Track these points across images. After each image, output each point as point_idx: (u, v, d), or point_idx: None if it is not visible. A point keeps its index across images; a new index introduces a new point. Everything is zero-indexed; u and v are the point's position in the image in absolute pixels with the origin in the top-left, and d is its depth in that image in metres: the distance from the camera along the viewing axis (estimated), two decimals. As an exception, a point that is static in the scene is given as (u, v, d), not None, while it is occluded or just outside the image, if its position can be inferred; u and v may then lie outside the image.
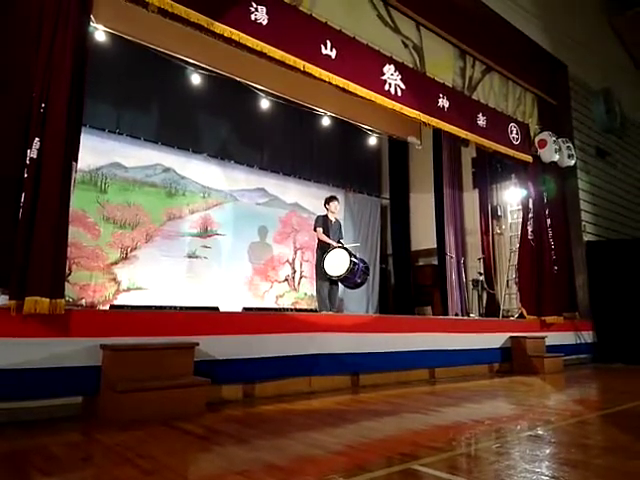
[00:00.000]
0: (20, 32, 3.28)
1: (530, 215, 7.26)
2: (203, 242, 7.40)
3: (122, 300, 6.37)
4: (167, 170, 7.17)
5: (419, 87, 5.70)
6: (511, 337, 6.39)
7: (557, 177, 7.63)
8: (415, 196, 9.68)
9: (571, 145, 7.48)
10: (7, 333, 2.94)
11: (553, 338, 6.72)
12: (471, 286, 8.22)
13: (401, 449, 2.50)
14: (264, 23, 4.35)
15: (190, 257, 7.22)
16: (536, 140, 7.29)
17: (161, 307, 5.16)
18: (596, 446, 2.62)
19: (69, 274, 5.82)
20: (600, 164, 8.76)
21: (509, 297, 8.06)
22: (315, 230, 6.27)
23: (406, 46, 5.76)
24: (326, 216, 6.29)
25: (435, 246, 8.44)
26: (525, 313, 6.96)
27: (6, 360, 2.90)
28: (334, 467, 2.22)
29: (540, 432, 2.88)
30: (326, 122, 8.22)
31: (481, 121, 6.42)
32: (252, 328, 4.07)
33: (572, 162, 7.45)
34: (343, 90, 5.00)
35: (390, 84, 5.34)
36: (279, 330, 4.22)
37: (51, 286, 3.04)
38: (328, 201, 6.36)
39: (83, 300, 6.13)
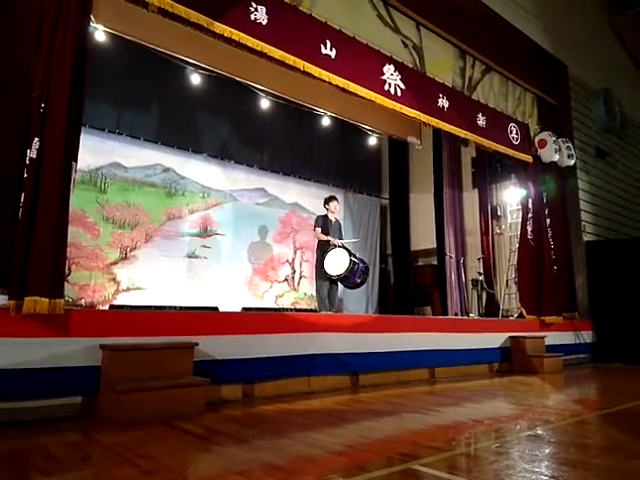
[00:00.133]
0: (20, 32, 3.28)
1: (530, 215, 7.26)
2: (203, 242, 7.40)
3: (121, 300, 6.36)
4: (167, 170, 7.17)
5: (419, 87, 5.70)
6: (511, 337, 6.40)
7: (557, 177, 7.63)
8: (415, 196, 9.68)
9: (571, 145, 7.48)
10: (6, 333, 2.94)
11: (553, 338, 6.73)
12: (471, 286, 8.22)
13: (401, 449, 2.50)
14: (264, 23, 4.35)
15: (190, 257, 7.22)
16: (536, 140, 7.30)
17: (161, 307, 5.16)
18: (595, 446, 2.62)
19: (68, 274, 5.82)
20: (600, 164, 8.77)
21: (509, 297, 8.06)
22: (314, 230, 6.28)
23: (406, 46, 5.76)
24: (326, 216, 6.30)
25: (435, 246, 8.45)
26: (525, 313, 6.96)
27: (6, 360, 2.90)
28: (334, 467, 2.22)
29: (539, 432, 2.89)
30: (326, 122, 8.22)
31: (481, 121, 6.42)
32: (252, 328, 4.07)
33: (572, 162, 7.45)
34: (343, 90, 5.00)
35: (390, 84, 5.35)
36: (279, 330, 4.22)
37: (50, 286, 3.04)
38: (327, 201, 6.36)
39: (82, 300, 6.13)
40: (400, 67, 5.50)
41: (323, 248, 6.09)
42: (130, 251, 6.67)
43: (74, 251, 6.00)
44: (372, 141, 9.12)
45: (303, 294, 8.43)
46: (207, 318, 4.00)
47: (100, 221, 6.46)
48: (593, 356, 7.45)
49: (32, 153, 3.09)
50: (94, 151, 6.32)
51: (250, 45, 4.27)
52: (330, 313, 5.68)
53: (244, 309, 5.63)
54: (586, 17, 8.99)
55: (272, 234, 8.25)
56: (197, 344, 3.52)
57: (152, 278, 6.75)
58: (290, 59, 4.51)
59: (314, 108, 7.43)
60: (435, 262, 8.60)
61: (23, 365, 2.95)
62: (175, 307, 5.06)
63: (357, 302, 8.80)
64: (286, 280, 8.31)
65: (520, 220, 7.51)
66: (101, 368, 3.20)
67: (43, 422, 2.92)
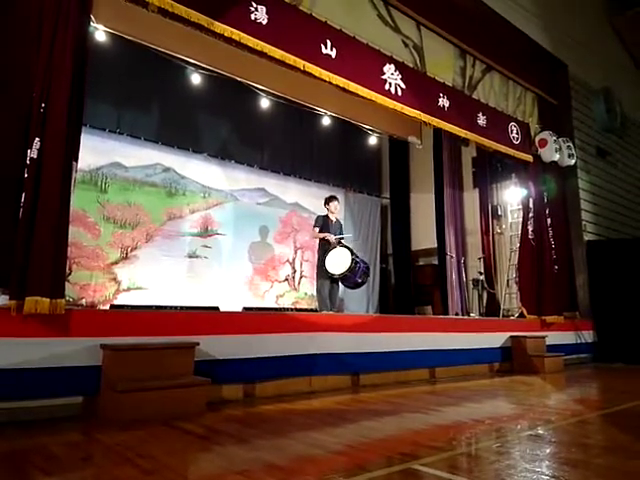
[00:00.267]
0: (20, 32, 3.28)
1: (530, 214, 7.26)
2: (203, 242, 7.40)
3: (122, 300, 6.37)
4: (167, 170, 7.17)
5: (419, 87, 5.69)
6: (511, 337, 6.39)
7: (557, 177, 7.63)
8: (415, 196, 9.68)
9: (571, 144, 7.47)
10: (7, 333, 2.94)
11: (553, 338, 6.72)
12: (471, 286, 8.22)
13: (401, 449, 2.50)
14: (264, 23, 4.35)
15: (190, 257, 7.22)
16: (536, 139, 7.29)
17: (161, 307, 5.16)
18: (596, 446, 2.62)
19: (69, 274, 5.82)
20: (600, 164, 8.76)
21: (509, 297, 8.06)
22: (313, 229, 6.28)
23: (406, 45, 5.75)
24: (326, 216, 6.29)
25: (435, 246, 8.44)
26: (525, 313, 6.96)
27: (6, 360, 2.91)
28: (334, 467, 2.22)
29: (540, 432, 2.88)
30: (326, 122, 8.22)
31: (481, 120, 6.41)
32: (252, 328, 4.07)
33: (572, 161, 7.44)
34: (343, 90, 4.99)
35: (390, 84, 5.34)
36: (279, 330, 4.22)
37: (51, 286, 3.04)
38: (328, 201, 6.35)
39: (83, 300, 6.13)
40: (400, 67, 5.50)
41: (324, 247, 6.09)
42: (131, 251, 6.67)
43: (75, 251, 6.00)
44: (372, 141, 9.12)
45: (304, 294, 8.43)
46: (208, 318, 4.00)
47: (101, 221, 6.46)
48: (594, 356, 7.45)
49: (33, 153, 3.09)
50: (95, 151, 6.32)
51: (250, 45, 4.26)
52: (331, 313, 5.68)
53: (245, 309, 5.64)
54: (586, 17, 8.98)
55: (273, 234, 8.25)
56: (198, 344, 3.52)
57: (153, 278, 6.75)
58: (290, 59, 4.51)
59: (314, 108, 7.43)
60: (436, 262, 8.59)
61: (24, 365, 2.95)
62: (176, 307, 5.07)
63: (358, 302, 8.79)
64: (287, 280, 8.31)
65: (521, 220, 7.51)
66: (102, 368, 3.20)
67: (44, 422, 2.92)
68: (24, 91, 3.21)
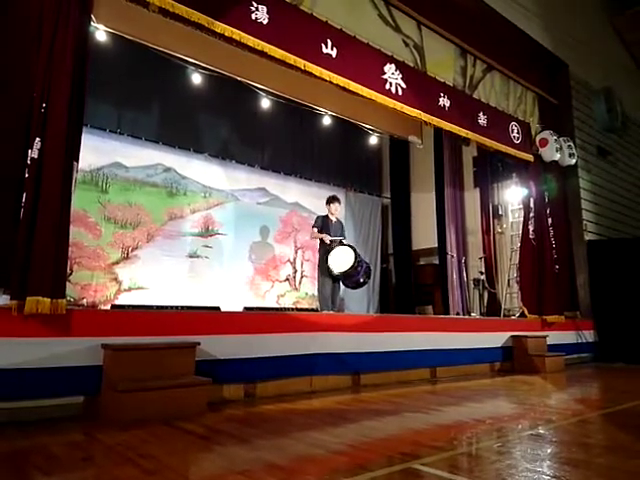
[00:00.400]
0: (20, 32, 3.29)
1: (531, 214, 7.26)
2: (204, 242, 7.41)
3: (123, 300, 6.37)
4: (168, 170, 7.17)
5: (420, 86, 5.69)
6: (512, 336, 6.39)
7: (558, 176, 7.63)
8: (416, 195, 9.67)
9: (572, 144, 7.47)
10: (8, 333, 2.94)
11: (554, 337, 6.72)
12: (472, 285, 8.22)
13: (402, 448, 2.50)
14: (265, 22, 4.35)
15: (191, 257, 7.22)
16: (537, 139, 7.29)
17: (162, 307, 5.16)
18: (597, 445, 2.62)
19: (70, 274, 5.82)
20: (601, 163, 8.75)
21: (510, 296, 8.05)
22: (312, 229, 6.26)
23: (407, 45, 5.75)
24: (326, 216, 6.27)
25: (436, 245, 8.44)
26: (526, 312, 6.96)
27: (7, 360, 2.91)
28: (335, 467, 2.22)
29: (541, 431, 2.88)
30: (327, 121, 8.22)
31: (482, 120, 6.41)
32: (253, 328, 4.08)
33: (573, 161, 7.44)
34: (344, 89, 4.99)
35: (391, 83, 5.34)
36: (280, 330, 4.22)
37: (52, 286, 3.04)
38: (329, 202, 6.31)
39: (84, 300, 6.13)
40: (401, 66, 5.50)
41: (326, 246, 6.07)
42: (132, 251, 6.67)
43: (76, 251, 6.01)
44: (373, 140, 9.12)
45: (304, 294, 8.43)
46: (209, 318, 4.00)
47: (102, 221, 6.46)
48: (595, 355, 7.44)
49: (33, 153, 3.10)
50: (95, 151, 6.32)
51: (251, 44, 4.26)
52: (331, 313, 5.67)
53: (246, 309, 5.64)
54: (587, 16, 8.98)
55: (273, 234, 8.25)
56: (199, 344, 3.52)
57: (154, 278, 6.75)
58: (291, 58, 4.51)
59: (315, 107, 7.43)
60: (436, 261, 8.59)
61: (25, 365, 2.96)
62: (177, 307, 5.07)
63: (358, 301, 8.79)
64: (287, 280, 8.32)
65: (521, 219, 7.50)
66: (103, 368, 3.20)
67: (45, 422, 2.92)
68: (24, 91, 3.21)
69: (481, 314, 7.83)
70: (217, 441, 2.65)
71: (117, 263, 6.52)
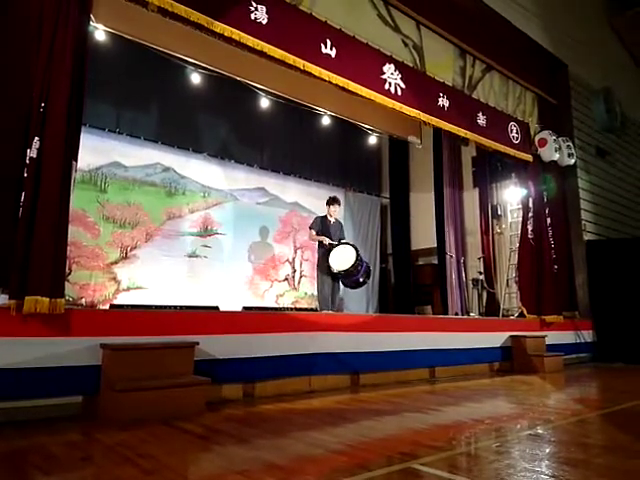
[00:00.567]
0: (20, 32, 3.28)
1: (530, 214, 7.26)
2: (203, 241, 7.40)
3: (122, 299, 6.36)
4: (167, 169, 7.17)
5: (419, 86, 5.69)
6: (511, 336, 6.39)
7: (557, 176, 7.63)
8: (415, 195, 9.68)
9: (571, 144, 7.48)
10: (7, 332, 2.94)
11: (553, 337, 6.72)
12: (471, 285, 8.22)
13: (401, 448, 2.50)
14: (264, 22, 4.35)
15: (190, 256, 7.22)
16: (536, 139, 7.29)
17: (161, 306, 5.15)
18: (596, 445, 2.62)
19: (69, 273, 5.81)
20: (600, 163, 8.76)
21: (509, 296, 8.06)
22: (310, 229, 6.24)
23: (406, 45, 5.75)
24: (325, 217, 6.26)
25: (435, 245, 8.44)
26: (525, 312, 6.96)
27: (6, 360, 2.90)
28: (334, 466, 2.22)
29: (540, 431, 2.89)
30: (326, 121, 8.22)
31: (481, 120, 6.42)
32: (252, 327, 4.08)
33: (572, 161, 7.44)
34: (343, 89, 4.99)
35: (390, 83, 5.34)
36: (279, 329, 4.22)
37: (51, 285, 3.04)
38: (329, 203, 6.29)
39: (83, 299, 6.13)
40: (400, 66, 5.50)
41: (324, 247, 6.06)
42: (130, 250, 6.67)
43: (74, 250, 6.00)
44: (372, 140, 9.12)
45: (304, 293, 8.44)
46: (208, 317, 4.00)
47: (100, 220, 6.46)
48: (594, 355, 7.45)
49: (32, 153, 3.09)
50: (94, 150, 6.31)
51: (250, 44, 4.26)
52: (330, 312, 5.67)
53: (245, 308, 5.63)
54: (586, 16, 8.99)
55: (272, 234, 8.25)
56: (198, 343, 3.52)
57: (153, 277, 6.75)
58: (290, 58, 4.51)
59: (314, 107, 7.42)
60: (435, 261, 8.59)
61: (23, 364, 2.95)
62: (176, 306, 5.06)
63: (357, 301, 8.79)
64: (286, 279, 8.32)
65: (520, 219, 7.51)
66: (101, 367, 3.20)
67: (43, 422, 2.92)
68: (24, 91, 3.21)
69: (480, 314, 7.84)
70: (216, 441, 2.65)
71: (116, 263, 6.52)
